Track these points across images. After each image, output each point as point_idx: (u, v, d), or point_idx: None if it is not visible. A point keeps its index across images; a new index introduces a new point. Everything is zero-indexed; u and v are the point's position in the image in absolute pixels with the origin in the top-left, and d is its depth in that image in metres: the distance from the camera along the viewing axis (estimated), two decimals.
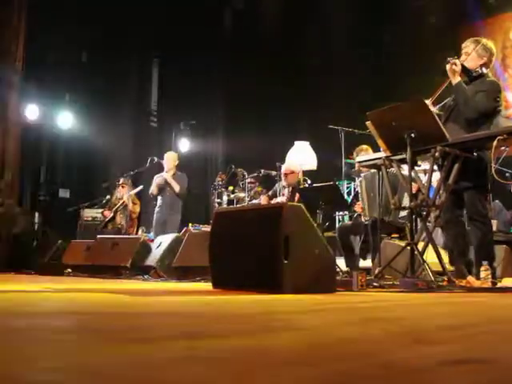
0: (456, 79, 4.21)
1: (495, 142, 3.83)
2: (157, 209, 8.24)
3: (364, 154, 5.58)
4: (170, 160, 8.24)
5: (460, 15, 9.75)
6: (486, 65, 4.33)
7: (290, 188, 6.88)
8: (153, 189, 8.20)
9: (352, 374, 0.84)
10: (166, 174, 8.08)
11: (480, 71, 4.27)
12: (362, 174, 5.98)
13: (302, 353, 1.05)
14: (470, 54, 4.31)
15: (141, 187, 9.23)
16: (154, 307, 2.33)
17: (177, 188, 7.98)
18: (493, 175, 4.12)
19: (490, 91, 4.18)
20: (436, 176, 4.46)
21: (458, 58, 4.27)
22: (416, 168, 4.32)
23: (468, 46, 4.38)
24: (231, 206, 7.93)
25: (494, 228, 6.55)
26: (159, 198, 8.20)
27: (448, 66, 4.20)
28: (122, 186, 9.17)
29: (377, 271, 4.39)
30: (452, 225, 4.31)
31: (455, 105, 4.30)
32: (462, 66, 4.24)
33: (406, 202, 4.99)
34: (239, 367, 0.88)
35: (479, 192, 4.18)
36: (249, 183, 8.28)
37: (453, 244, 4.23)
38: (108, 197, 9.96)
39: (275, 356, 1.00)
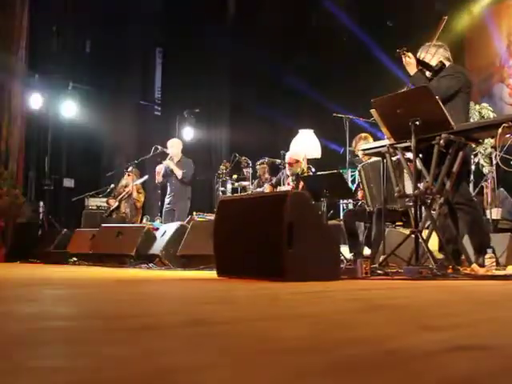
0: (412, 70, 4.39)
1: (500, 130, 3.82)
2: (166, 198, 8.29)
3: (364, 143, 5.58)
4: (174, 146, 8.24)
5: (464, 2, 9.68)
6: (445, 59, 4.49)
7: (294, 176, 6.88)
8: (157, 178, 8.22)
9: (356, 361, 0.84)
10: (167, 161, 8.08)
11: (440, 65, 4.39)
12: (360, 165, 5.96)
13: (307, 339, 1.05)
14: (425, 57, 4.47)
15: (146, 177, 9.24)
16: (159, 295, 2.34)
17: (179, 173, 7.97)
18: (498, 163, 4.13)
19: (449, 73, 4.36)
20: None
21: (408, 50, 4.41)
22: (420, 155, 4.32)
23: (419, 54, 4.54)
24: (235, 195, 7.94)
25: (499, 216, 6.55)
26: (168, 186, 8.22)
27: (404, 59, 4.34)
28: (128, 175, 9.18)
29: (381, 259, 4.40)
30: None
31: None
32: (424, 63, 4.36)
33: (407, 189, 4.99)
34: (245, 353, 0.89)
35: (461, 178, 4.22)
36: (259, 165, 8.28)
37: (443, 231, 4.25)
38: (112, 185, 9.98)
39: (280, 342, 1.01)
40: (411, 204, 4.32)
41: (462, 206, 4.22)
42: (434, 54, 4.47)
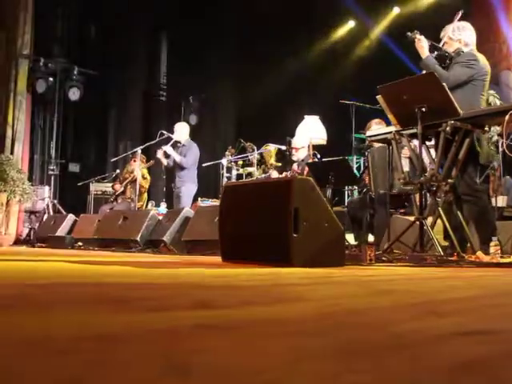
0: (424, 54, 4.31)
1: (507, 117, 3.80)
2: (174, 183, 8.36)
3: (377, 128, 5.55)
4: (180, 130, 8.25)
5: None
6: (465, 45, 4.41)
7: (300, 162, 6.87)
8: (163, 161, 8.25)
9: (362, 344, 0.85)
10: (167, 147, 8.10)
11: (458, 51, 4.32)
12: (369, 150, 5.95)
13: (309, 323, 1.06)
14: (446, 41, 4.41)
15: (152, 162, 9.25)
16: (166, 278, 2.35)
17: (177, 158, 8.03)
18: (504, 150, 4.10)
19: (462, 61, 4.28)
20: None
21: (420, 33, 4.36)
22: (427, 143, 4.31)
23: (442, 35, 4.48)
24: (240, 180, 7.94)
25: (504, 204, 6.53)
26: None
27: (416, 43, 4.29)
28: (134, 160, 9.19)
29: (386, 246, 4.40)
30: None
31: None
32: (440, 49, 4.30)
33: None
34: (245, 337, 0.89)
35: (471, 165, 4.18)
36: (264, 150, 8.28)
37: (447, 219, 4.23)
38: (117, 171, 10.00)
39: (286, 326, 1.01)
40: (408, 188, 4.31)
41: (468, 196, 4.18)
42: (455, 40, 4.39)
